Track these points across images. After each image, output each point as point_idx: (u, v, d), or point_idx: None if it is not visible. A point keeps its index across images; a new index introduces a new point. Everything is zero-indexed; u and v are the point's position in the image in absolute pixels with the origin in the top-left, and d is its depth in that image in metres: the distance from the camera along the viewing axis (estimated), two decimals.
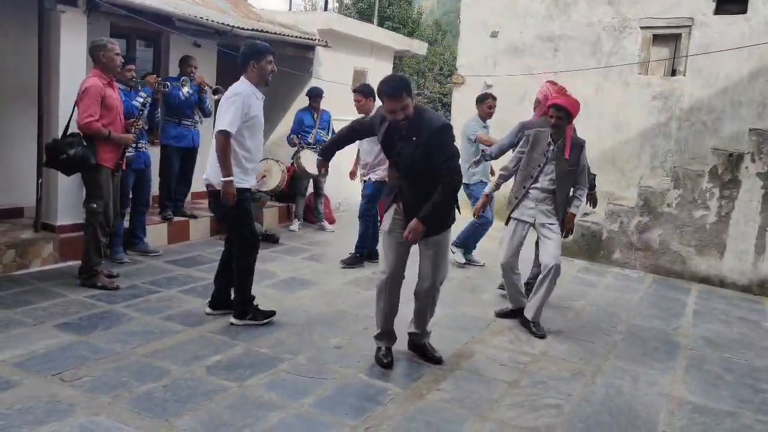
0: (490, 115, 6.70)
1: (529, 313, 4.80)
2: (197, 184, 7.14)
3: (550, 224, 4.79)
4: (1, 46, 5.76)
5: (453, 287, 5.88)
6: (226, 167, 4.12)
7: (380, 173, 6.08)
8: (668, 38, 8.93)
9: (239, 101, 4.13)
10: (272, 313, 4.52)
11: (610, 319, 5.30)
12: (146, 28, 6.24)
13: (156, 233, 6.39)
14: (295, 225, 7.95)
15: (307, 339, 4.28)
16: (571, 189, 4.89)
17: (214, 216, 4.41)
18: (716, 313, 5.85)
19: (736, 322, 5.62)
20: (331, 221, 8.32)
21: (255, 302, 4.51)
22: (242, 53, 4.28)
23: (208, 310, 4.58)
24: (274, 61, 4.36)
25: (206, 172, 4.31)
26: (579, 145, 4.83)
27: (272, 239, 7.14)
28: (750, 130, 6.87)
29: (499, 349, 4.40)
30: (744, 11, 8.28)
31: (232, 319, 4.41)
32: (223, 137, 4.10)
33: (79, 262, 5.08)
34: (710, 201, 6.85)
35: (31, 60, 5.48)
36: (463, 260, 6.77)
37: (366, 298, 5.31)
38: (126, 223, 5.91)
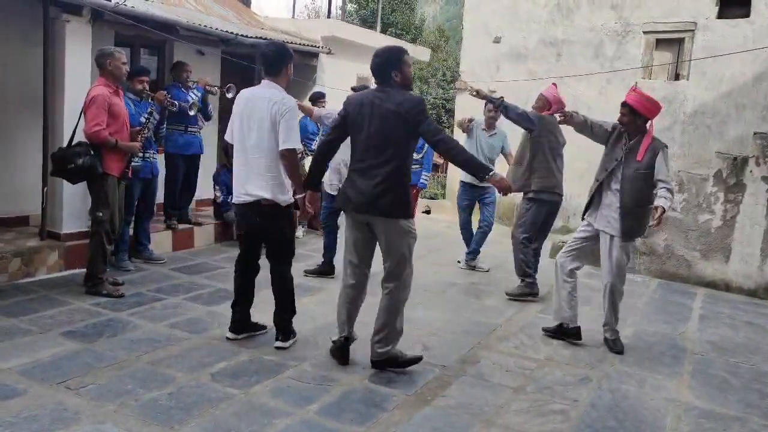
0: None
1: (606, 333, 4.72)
2: (200, 191, 7.17)
3: (612, 236, 4.53)
4: (6, 55, 5.80)
5: (457, 293, 5.87)
6: (299, 185, 4.02)
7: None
8: (671, 42, 8.92)
9: (297, 116, 4.01)
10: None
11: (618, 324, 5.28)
12: (150, 36, 6.27)
13: (161, 240, 6.41)
14: (300, 231, 7.95)
15: (312, 345, 4.28)
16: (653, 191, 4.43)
17: (268, 234, 4.13)
18: (722, 317, 5.82)
19: (743, 326, 5.59)
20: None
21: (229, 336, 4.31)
22: (275, 53, 4.03)
23: (231, 335, 4.25)
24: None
25: (256, 188, 3.94)
26: (655, 149, 4.40)
27: None
28: (754, 133, 6.86)
29: (504, 355, 4.39)
30: (747, 15, 8.27)
31: (280, 344, 4.16)
32: (296, 155, 3.99)
33: (85, 270, 5.10)
34: (715, 205, 6.83)
35: (36, 69, 5.52)
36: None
37: (371, 303, 5.29)
38: (130, 231, 5.92)
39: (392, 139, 3.69)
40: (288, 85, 4.10)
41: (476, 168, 3.85)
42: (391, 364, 3.90)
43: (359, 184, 3.74)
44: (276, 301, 4.21)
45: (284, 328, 4.21)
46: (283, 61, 4.02)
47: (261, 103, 3.93)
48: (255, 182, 3.95)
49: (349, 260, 3.95)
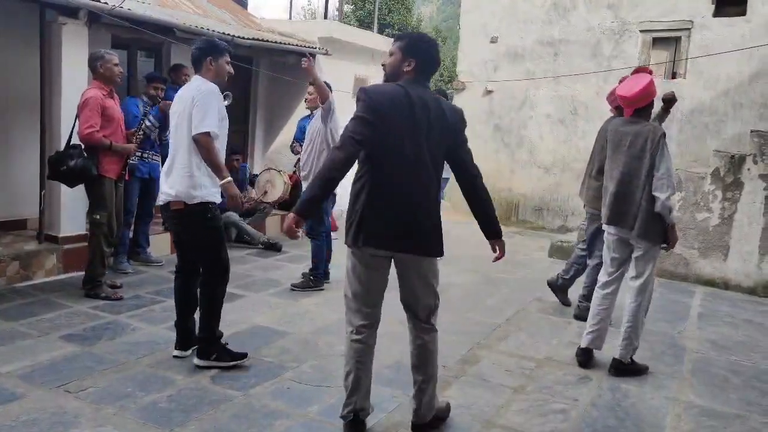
0: None
1: None
2: None
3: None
4: (2, 58, 5.79)
5: (456, 293, 5.87)
6: (222, 168, 3.63)
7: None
8: (668, 41, 8.94)
9: (216, 99, 3.63)
10: (242, 356, 3.84)
11: (615, 323, 5.27)
12: (147, 39, 6.26)
13: (159, 243, 6.39)
14: (298, 233, 7.94)
15: (312, 347, 4.28)
16: None
17: (177, 238, 3.90)
18: (721, 315, 5.83)
19: (742, 324, 5.59)
20: (334, 229, 8.31)
21: (224, 341, 3.89)
22: (197, 49, 3.74)
23: (177, 352, 3.93)
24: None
25: (168, 186, 3.67)
26: None
27: (275, 248, 7.16)
28: (751, 131, 6.87)
29: (504, 355, 4.39)
30: (743, 13, 8.29)
31: (196, 360, 3.77)
32: (210, 138, 3.56)
33: (83, 272, 5.09)
34: (713, 203, 6.84)
35: (33, 72, 5.51)
36: None
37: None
38: (130, 233, 5.91)
39: None
40: (220, 76, 3.76)
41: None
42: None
43: None
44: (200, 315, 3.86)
45: (200, 348, 3.81)
46: (202, 57, 3.71)
47: (185, 94, 3.70)
48: (172, 180, 3.67)
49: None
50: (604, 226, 4.29)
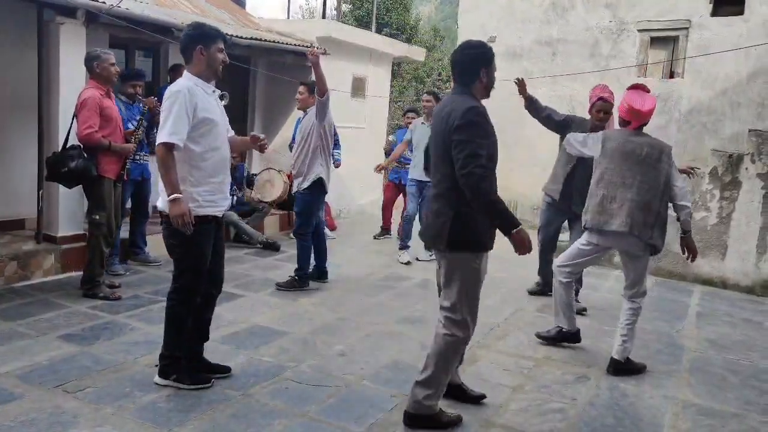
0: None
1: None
2: None
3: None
4: (0, 57, 5.78)
5: None
6: (170, 184, 3.21)
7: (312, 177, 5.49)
8: (666, 40, 8.94)
9: (179, 102, 3.21)
10: (205, 381, 3.52)
11: (613, 322, 5.27)
12: (145, 38, 6.26)
13: (157, 243, 6.35)
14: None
15: (310, 346, 4.27)
16: None
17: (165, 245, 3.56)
18: (719, 314, 5.84)
19: (740, 323, 5.60)
20: (332, 228, 8.32)
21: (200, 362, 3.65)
22: (186, 36, 3.35)
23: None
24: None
25: (160, 196, 3.38)
26: None
27: (273, 247, 7.15)
28: (749, 131, 6.88)
29: (502, 354, 4.39)
30: (741, 12, 8.30)
31: (156, 378, 3.51)
32: (165, 150, 3.20)
33: (81, 272, 5.08)
34: (711, 202, 6.86)
35: (30, 72, 5.50)
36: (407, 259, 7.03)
37: (368, 305, 5.31)
38: (124, 234, 5.90)
39: None
40: (211, 70, 3.39)
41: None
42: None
43: None
44: None
45: (161, 365, 3.51)
46: (191, 45, 3.33)
47: None
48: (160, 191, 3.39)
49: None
50: (596, 235, 4.30)
